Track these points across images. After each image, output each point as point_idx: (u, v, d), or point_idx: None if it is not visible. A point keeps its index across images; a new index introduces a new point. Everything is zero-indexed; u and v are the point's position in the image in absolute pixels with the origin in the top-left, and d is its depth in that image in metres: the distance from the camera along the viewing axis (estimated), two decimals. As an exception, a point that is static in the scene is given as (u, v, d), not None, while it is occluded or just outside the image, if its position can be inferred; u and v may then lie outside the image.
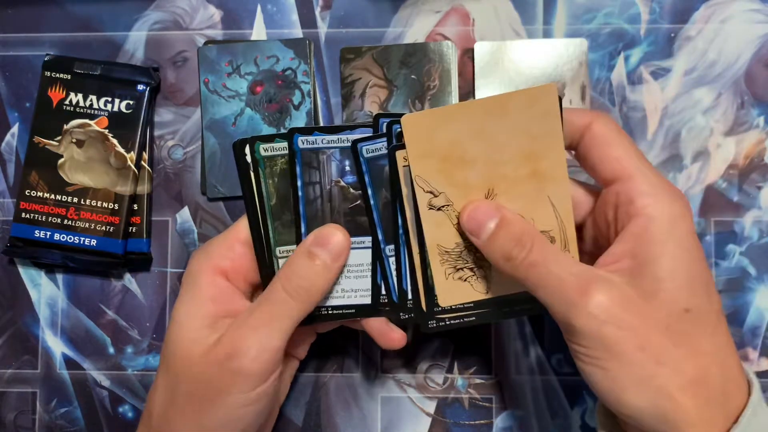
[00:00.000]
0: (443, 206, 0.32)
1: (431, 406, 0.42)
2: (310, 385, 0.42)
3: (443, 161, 0.31)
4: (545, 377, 0.42)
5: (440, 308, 0.34)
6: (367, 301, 0.35)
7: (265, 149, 0.33)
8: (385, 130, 0.33)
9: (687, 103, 0.43)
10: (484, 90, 0.42)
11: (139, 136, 0.42)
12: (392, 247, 0.34)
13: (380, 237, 0.34)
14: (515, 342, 0.42)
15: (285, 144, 0.33)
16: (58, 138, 0.42)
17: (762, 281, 0.42)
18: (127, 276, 0.43)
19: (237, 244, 0.34)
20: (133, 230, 0.42)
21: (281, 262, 0.34)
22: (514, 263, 0.30)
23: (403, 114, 0.31)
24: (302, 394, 0.42)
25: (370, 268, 0.34)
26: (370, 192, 0.33)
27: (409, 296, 0.34)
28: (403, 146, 0.31)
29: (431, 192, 0.32)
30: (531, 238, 0.30)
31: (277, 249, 0.34)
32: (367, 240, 0.34)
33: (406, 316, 0.34)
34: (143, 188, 0.42)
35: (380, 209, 0.34)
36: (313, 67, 0.43)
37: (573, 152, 0.33)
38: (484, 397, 0.42)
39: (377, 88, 0.43)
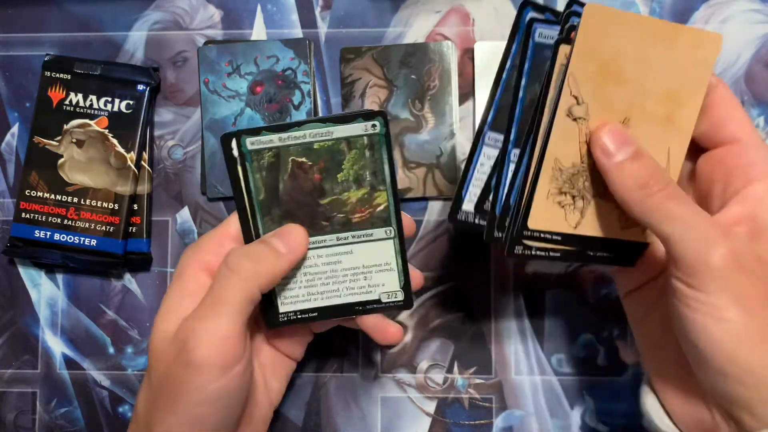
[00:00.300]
0: (580, 118, 0.31)
1: (431, 406, 0.42)
2: (310, 385, 0.42)
3: (602, 69, 0.30)
4: (545, 377, 0.42)
5: (530, 233, 0.32)
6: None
7: (251, 143, 0.33)
8: (563, 17, 0.31)
9: (687, 103, 0.42)
10: (484, 90, 0.42)
11: (139, 136, 0.42)
12: (518, 152, 0.32)
13: (512, 136, 0.32)
14: (515, 342, 0.42)
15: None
16: (58, 138, 0.42)
17: (762, 281, 0.42)
18: (127, 276, 0.43)
19: (227, 240, 0.34)
20: (133, 230, 0.42)
21: None
22: (648, 192, 0.29)
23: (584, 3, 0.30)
24: (302, 394, 0.42)
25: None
26: (524, 82, 0.31)
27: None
28: (569, 41, 0.30)
29: (576, 98, 0.30)
30: (667, 177, 0.29)
31: None
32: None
33: (500, 235, 0.33)
34: (143, 188, 0.42)
35: (525, 106, 0.32)
36: (313, 67, 0.43)
37: None
38: (484, 397, 0.42)
39: (377, 88, 0.43)
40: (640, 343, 0.34)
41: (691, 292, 0.28)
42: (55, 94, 0.42)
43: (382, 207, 0.33)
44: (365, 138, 0.32)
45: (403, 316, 0.42)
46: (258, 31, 0.44)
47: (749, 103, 0.42)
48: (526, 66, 0.31)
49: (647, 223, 0.29)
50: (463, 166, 0.33)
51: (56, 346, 0.43)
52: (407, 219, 0.35)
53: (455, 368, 0.42)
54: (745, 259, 0.27)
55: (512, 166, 0.32)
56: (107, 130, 0.42)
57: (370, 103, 0.42)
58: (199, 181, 0.43)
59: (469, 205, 0.33)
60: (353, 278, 0.34)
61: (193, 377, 0.29)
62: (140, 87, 0.42)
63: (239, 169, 0.33)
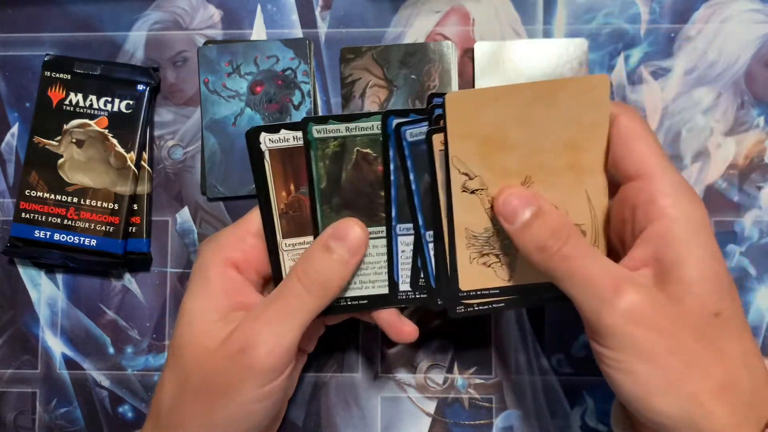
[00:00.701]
0: (477, 190, 0.32)
1: (431, 406, 0.42)
2: (310, 385, 0.42)
3: (483, 143, 0.31)
4: (545, 377, 0.42)
5: (466, 293, 0.34)
6: (384, 291, 0.34)
7: (318, 131, 0.33)
8: (426, 112, 0.32)
9: (687, 103, 0.43)
10: (484, 90, 0.42)
11: (139, 136, 0.42)
12: (431, 233, 0.33)
13: (420, 222, 0.33)
14: (515, 342, 0.42)
15: (339, 126, 0.33)
16: (58, 138, 0.42)
17: (762, 281, 0.42)
18: (127, 276, 0.43)
19: (248, 236, 0.34)
20: (133, 230, 0.42)
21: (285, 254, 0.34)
22: (547, 254, 0.29)
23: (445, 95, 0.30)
24: (302, 394, 0.42)
25: (386, 258, 0.34)
26: (412, 177, 0.33)
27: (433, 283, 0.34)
28: (441, 130, 0.31)
29: (467, 174, 0.31)
30: (567, 230, 0.29)
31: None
32: (382, 230, 0.34)
33: (440, 303, 0.34)
34: (143, 188, 0.42)
35: (422, 194, 0.33)
36: (313, 67, 0.43)
37: None
38: (484, 397, 0.42)
39: (377, 88, 0.43)
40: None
41: (600, 348, 0.28)
42: (55, 94, 0.42)
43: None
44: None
45: (404, 315, 0.42)
46: (258, 31, 0.44)
47: (749, 103, 0.42)
48: (408, 163, 0.33)
49: (555, 282, 0.30)
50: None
51: (56, 346, 0.43)
52: (408, 326, 0.35)
53: (455, 368, 0.42)
54: (642, 311, 0.27)
55: (431, 245, 0.34)
56: (107, 130, 0.42)
57: (370, 104, 0.42)
58: (198, 181, 0.43)
59: (404, 285, 0.35)
60: (386, 271, 0.34)
61: (252, 377, 0.30)
62: (140, 87, 0.42)
63: (265, 164, 0.33)
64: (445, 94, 0.30)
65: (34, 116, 0.42)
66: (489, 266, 0.33)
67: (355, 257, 0.32)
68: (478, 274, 0.33)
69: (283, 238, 0.34)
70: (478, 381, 0.42)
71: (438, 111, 0.31)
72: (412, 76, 0.42)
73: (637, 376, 0.27)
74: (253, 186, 0.34)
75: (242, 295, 0.33)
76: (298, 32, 0.44)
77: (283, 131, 0.33)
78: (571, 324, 0.42)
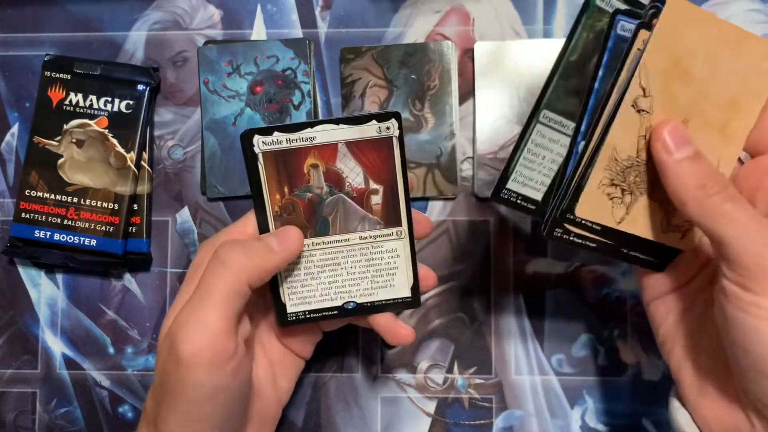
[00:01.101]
0: (644, 110, 0.30)
1: (431, 406, 0.42)
2: (310, 385, 0.42)
3: (673, 64, 0.30)
4: (545, 377, 0.42)
5: (575, 219, 0.32)
6: (341, 302, 0.34)
7: (264, 143, 0.33)
8: (648, 6, 0.31)
9: (687, 103, 0.42)
10: (484, 90, 0.42)
11: (139, 136, 0.42)
12: (583, 144, 0.32)
13: (582, 127, 0.32)
14: (515, 342, 0.42)
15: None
16: (58, 138, 0.42)
17: (762, 281, 0.42)
18: (127, 276, 0.43)
19: (243, 238, 0.33)
20: (133, 230, 0.42)
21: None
22: (707, 192, 0.28)
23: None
24: (302, 394, 0.42)
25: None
26: (600, 74, 0.31)
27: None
28: (650, 27, 0.30)
29: (644, 89, 0.30)
30: (725, 179, 0.29)
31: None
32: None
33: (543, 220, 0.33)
34: (143, 188, 0.42)
35: (599, 98, 0.32)
36: (313, 67, 0.43)
37: None
38: (484, 397, 0.42)
39: (377, 88, 0.43)
40: (669, 351, 0.33)
41: (747, 295, 0.27)
42: (55, 94, 0.42)
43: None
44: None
45: (404, 315, 0.42)
46: (258, 31, 0.44)
47: (749, 103, 0.42)
48: (605, 57, 0.31)
49: (702, 224, 0.29)
50: (509, 150, 0.33)
51: (56, 346, 0.43)
52: (424, 218, 0.35)
53: (455, 368, 0.42)
54: None
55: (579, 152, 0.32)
56: (107, 130, 0.42)
57: (370, 103, 0.42)
58: (198, 181, 0.43)
59: (514, 184, 0.33)
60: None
61: (186, 374, 0.29)
62: (140, 87, 0.42)
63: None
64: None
65: (34, 116, 0.42)
66: (611, 198, 0.32)
67: (284, 252, 0.32)
68: (597, 203, 0.32)
69: (551, 110, 0.33)
70: (478, 381, 0.42)
71: (658, 6, 0.30)
72: (412, 76, 0.42)
73: None
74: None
75: None
76: (298, 32, 0.44)
77: (276, 133, 0.32)
78: (571, 324, 0.42)
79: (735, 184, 0.32)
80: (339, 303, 0.34)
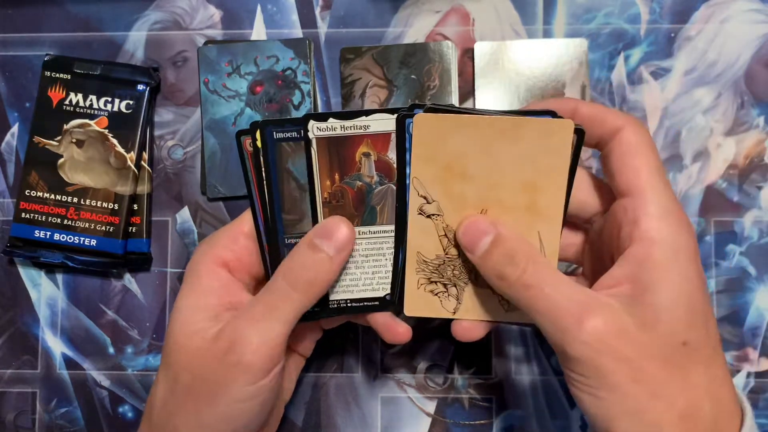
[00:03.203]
0: (433, 215, 0.32)
1: (431, 406, 0.42)
2: (310, 385, 0.42)
3: (444, 170, 0.31)
4: (545, 377, 0.42)
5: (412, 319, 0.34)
6: (383, 293, 0.34)
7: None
8: (395, 125, 0.32)
9: (687, 103, 0.43)
10: (484, 90, 0.42)
11: (139, 136, 0.42)
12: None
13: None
14: (515, 342, 0.42)
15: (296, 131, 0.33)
16: (58, 138, 0.42)
17: (762, 281, 0.42)
18: (127, 276, 0.43)
19: (241, 237, 0.34)
20: (133, 230, 0.42)
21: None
22: (507, 282, 0.29)
23: (415, 108, 0.30)
24: (302, 394, 0.42)
25: (388, 259, 0.34)
26: (408, 171, 0.32)
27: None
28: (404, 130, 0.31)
29: (425, 197, 0.32)
30: (525, 256, 0.29)
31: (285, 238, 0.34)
32: (388, 229, 0.33)
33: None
34: (143, 188, 0.42)
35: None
36: (313, 67, 0.43)
37: (599, 153, 0.33)
38: (484, 397, 0.42)
39: (377, 88, 0.43)
40: None
41: (569, 372, 0.29)
42: (55, 94, 0.42)
43: (394, 209, 0.33)
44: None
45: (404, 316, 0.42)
46: (258, 31, 0.44)
47: (749, 103, 0.42)
48: (408, 156, 0.32)
49: (522, 310, 0.30)
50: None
51: (56, 346, 0.43)
52: (402, 326, 0.34)
53: (455, 368, 0.42)
54: (606, 338, 0.27)
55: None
56: (107, 130, 0.42)
57: (370, 103, 0.42)
58: (199, 181, 0.43)
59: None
60: (365, 273, 0.34)
61: (239, 376, 0.30)
62: (140, 87, 0.42)
63: (312, 152, 0.33)
64: (417, 107, 0.30)
65: (34, 116, 0.42)
66: (435, 295, 0.33)
67: (341, 254, 0.32)
68: (425, 301, 0.33)
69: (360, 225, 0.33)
70: (478, 381, 0.42)
71: (410, 121, 0.31)
72: (412, 76, 0.42)
73: (601, 401, 0.28)
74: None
75: (232, 295, 0.33)
76: (298, 32, 0.44)
77: (331, 120, 0.32)
78: (571, 324, 0.42)
79: (599, 232, 0.32)
80: (381, 294, 0.34)
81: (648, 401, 0.27)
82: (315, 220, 0.33)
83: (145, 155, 0.43)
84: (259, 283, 0.36)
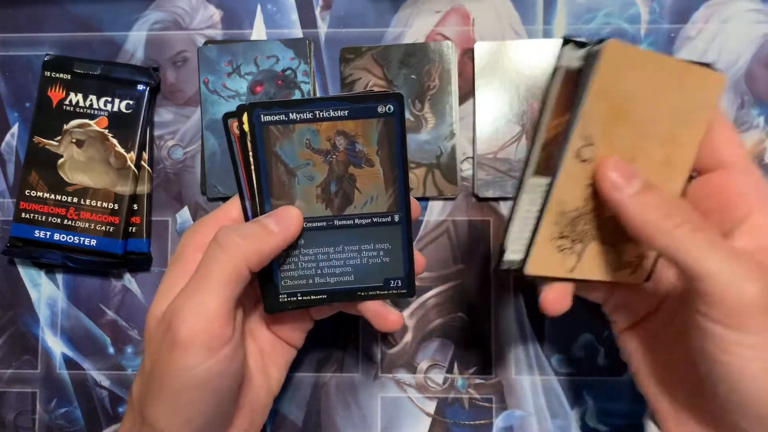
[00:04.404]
0: (588, 159, 0.29)
1: (431, 406, 0.42)
2: (310, 385, 0.42)
3: (613, 109, 0.29)
4: (545, 377, 0.42)
5: (527, 276, 0.32)
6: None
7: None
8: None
9: (687, 103, 0.42)
10: (484, 90, 0.42)
11: (139, 136, 0.42)
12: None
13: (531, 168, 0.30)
14: (515, 342, 0.42)
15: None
16: (58, 138, 0.42)
17: (762, 281, 0.42)
18: (127, 276, 0.43)
19: (228, 222, 0.33)
20: (133, 230, 0.42)
21: None
22: (675, 222, 0.27)
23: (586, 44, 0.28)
24: (302, 394, 0.42)
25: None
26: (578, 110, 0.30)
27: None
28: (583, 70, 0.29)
29: (588, 138, 0.29)
30: (688, 207, 0.28)
31: None
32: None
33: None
34: (143, 188, 0.42)
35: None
36: (313, 67, 0.43)
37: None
38: (484, 397, 0.42)
39: (377, 88, 0.43)
40: (644, 380, 0.33)
41: (730, 333, 0.26)
42: (55, 94, 0.42)
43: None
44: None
45: (404, 316, 0.42)
46: (258, 31, 0.44)
47: (749, 103, 0.42)
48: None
49: (674, 257, 0.27)
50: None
51: (56, 346, 0.43)
52: (413, 203, 0.34)
53: (455, 368, 0.42)
54: None
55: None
56: (107, 130, 0.42)
57: (370, 103, 0.42)
58: (199, 181, 0.43)
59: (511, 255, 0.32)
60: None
61: (179, 359, 0.28)
62: (140, 87, 0.42)
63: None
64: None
65: (34, 116, 0.42)
66: (561, 250, 0.31)
67: (283, 232, 0.31)
68: (548, 258, 0.31)
69: (534, 174, 0.30)
70: (478, 381, 0.42)
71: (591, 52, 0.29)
72: (412, 76, 0.42)
73: (750, 352, 0.25)
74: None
75: None
76: (298, 32, 0.44)
77: (582, 49, 0.29)
78: (571, 324, 0.42)
79: None
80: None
81: None
82: (526, 165, 0.30)
83: (145, 155, 0.43)
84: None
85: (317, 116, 0.32)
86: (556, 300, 0.31)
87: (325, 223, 0.33)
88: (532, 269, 0.31)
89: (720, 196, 0.29)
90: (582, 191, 0.30)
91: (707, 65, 0.30)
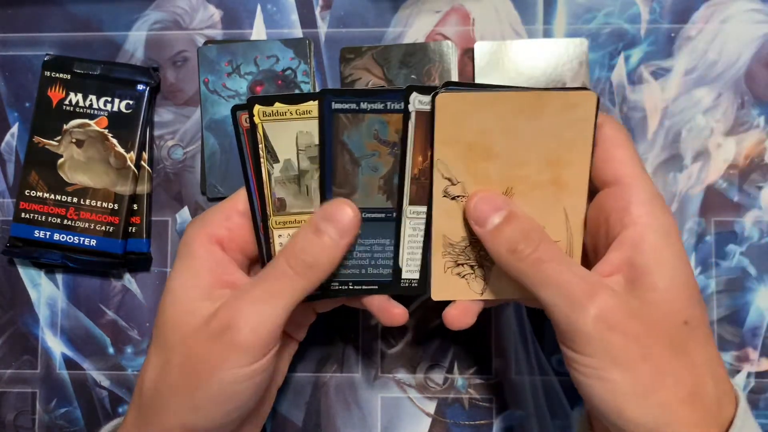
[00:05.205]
0: (458, 196, 0.31)
1: (431, 406, 0.42)
2: (310, 385, 0.42)
3: (468, 149, 0.30)
4: (545, 377, 0.42)
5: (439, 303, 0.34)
6: (386, 277, 0.34)
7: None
8: (403, 98, 0.31)
9: (687, 103, 0.42)
10: (484, 90, 0.42)
11: (138, 136, 0.42)
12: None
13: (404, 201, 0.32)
14: (515, 342, 0.42)
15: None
16: (58, 138, 0.42)
17: (762, 281, 0.42)
18: (127, 276, 0.43)
19: (235, 215, 0.33)
20: (133, 230, 0.42)
21: (275, 232, 0.33)
22: (519, 257, 0.29)
23: (435, 88, 0.30)
24: (302, 394, 0.42)
25: (391, 242, 0.33)
26: (430, 154, 0.32)
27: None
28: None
29: (449, 179, 0.31)
30: (539, 235, 0.30)
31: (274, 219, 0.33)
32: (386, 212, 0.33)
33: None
34: (143, 188, 0.42)
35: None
36: (313, 67, 0.43)
37: None
38: (484, 397, 0.42)
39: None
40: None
41: (574, 355, 0.28)
42: (55, 94, 0.42)
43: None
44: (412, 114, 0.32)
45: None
46: (258, 31, 0.44)
47: (749, 103, 0.42)
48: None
49: (526, 286, 0.29)
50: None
51: (56, 346, 0.43)
52: (398, 308, 0.34)
53: (455, 368, 0.42)
54: (616, 316, 0.27)
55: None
56: (107, 130, 0.42)
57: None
58: (199, 181, 0.43)
59: (408, 273, 0.34)
60: (374, 255, 0.34)
61: (235, 357, 0.29)
62: (140, 87, 0.42)
63: (248, 140, 0.32)
64: (431, 89, 0.30)
65: (34, 116, 0.42)
66: (463, 277, 0.33)
67: (345, 238, 0.31)
68: (451, 284, 0.33)
69: (409, 204, 0.32)
70: (478, 381, 0.42)
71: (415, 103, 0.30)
72: (412, 76, 0.42)
73: (610, 383, 0.27)
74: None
75: (227, 273, 0.32)
76: (298, 32, 0.44)
77: (428, 96, 0.31)
78: (571, 324, 0.42)
79: (587, 225, 0.32)
80: (348, 279, 0.34)
81: (657, 381, 0.27)
82: (401, 197, 0.32)
83: (145, 155, 0.42)
84: (252, 262, 0.35)
85: (388, 107, 0.31)
86: (459, 316, 0.33)
87: (384, 215, 0.33)
88: (438, 296, 0.33)
89: (605, 212, 0.31)
90: (463, 223, 0.32)
91: (568, 89, 0.30)
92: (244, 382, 0.30)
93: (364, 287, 0.34)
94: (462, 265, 0.33)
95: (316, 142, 0.32)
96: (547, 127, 0.30)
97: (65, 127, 0.42)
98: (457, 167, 0.31)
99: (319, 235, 0.31)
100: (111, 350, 0.43)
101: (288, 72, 0.43)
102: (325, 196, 0.33)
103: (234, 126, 0.32)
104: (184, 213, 0.43)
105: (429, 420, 0.42)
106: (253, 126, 0.32)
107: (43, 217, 0.41)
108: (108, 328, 0.43)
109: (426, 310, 0.42)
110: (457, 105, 0.30)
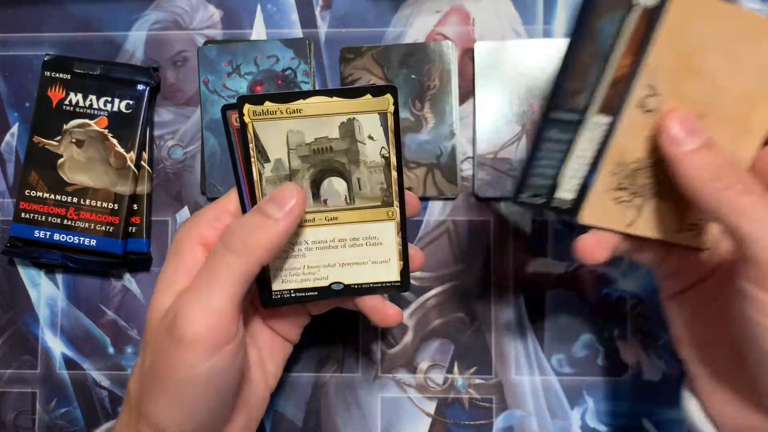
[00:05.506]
0: (653, 110, 0.29)
1: (431, 406, 0.42)
2: (310, 385, 0.42)
3: (680, 60, 0.28)
4: (545, 377, 0.42)
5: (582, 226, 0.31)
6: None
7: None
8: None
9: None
10: (484, 90, 0.42)
11: (138, 136, 0.42)
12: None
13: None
14: (515, 342, 0.42)
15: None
16: (58, 138, 0.42)
17: (762, 281, 0.42)
18: (127, 276, 0.43)
19: (225, 215, 0.32)
20: (133, 230, 0.42)
21: None
22: (723, 184, 0.27)
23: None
24: (302, 394, 0.42)
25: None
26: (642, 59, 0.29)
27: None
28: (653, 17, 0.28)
29: (653, 88, 0.28)
30: (740, 168, 0.28)
31: None
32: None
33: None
34: (143, 188, 0.42)
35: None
36: (313, 67, 0.43)
37: None
38: (484, 397, 0.42)
39: (377, 88, 0.42)
40: (685, 347, 0.32)
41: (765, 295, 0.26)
42: (55, 94, 0.42)
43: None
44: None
45: (404, 316, 0.42)
46: (258, 31, 0.44)
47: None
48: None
49: (720, 220, 0.27)
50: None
51: (56, 346, 0.43)
52: (412, 198, 0.33)
53: (455, 368, 0.42)
54: None
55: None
56: (107, 130, 0.42)
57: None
58: (199, 181, 0.43)
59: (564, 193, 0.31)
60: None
61: (184, 355, 0.28)
62: (140, 87, 0.42)
63: (239, 139, 0.32)
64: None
65: (34, 116, 0.42)
66: (619, 203, 0.30)
67: (288, 216, 0.30)
68: (604, 208, 0.30)
69: (597, 112, 0.29)
70: (478, 381, 0.42)
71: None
72: (412, 76, 0.42)
73: None
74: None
75: None
76: (298, 32, 0.44)
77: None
78: (571, 324, 0.42)
79: (754, 173, 0.30)
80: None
81: None
82: (590, 100, 0.29)
83: (145, 155, 0.43)
84: None
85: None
86: (594, 246, 0.30)
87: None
88: (587, 218, 0.30)
89: None
90: (644, 142, 0.29)
91: None
92: (201, 385, 0.29)
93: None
94: (623, 189, 0.30)
95: (307, 141, 0.32)
96: (760, 58, 0.28)
97: (65, 127, 0.42)
98: (663, 77, 0.28)
99: (259, 213, 0.30)
100: (111, 350, 0.43)
101: (288, 72, 0.43)
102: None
103: (224, 125, 0.32)
104: (184, 213, 0.43)
105: (429, 420, 0.42)
106: (244, 125, 0.31)
107: (43, 217, 0.41)
108: (108, 328, 0.43)
109: (426, 309, 0.42)
110: (693, 7, 0.27)
